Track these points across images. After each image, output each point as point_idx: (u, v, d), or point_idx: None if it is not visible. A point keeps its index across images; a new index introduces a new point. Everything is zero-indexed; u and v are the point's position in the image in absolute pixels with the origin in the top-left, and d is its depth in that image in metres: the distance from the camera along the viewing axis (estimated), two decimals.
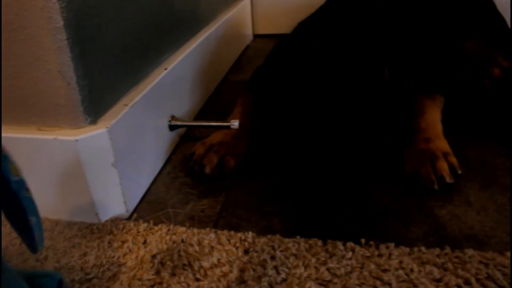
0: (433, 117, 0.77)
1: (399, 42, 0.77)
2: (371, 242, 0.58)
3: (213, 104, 1.10)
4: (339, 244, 0.59)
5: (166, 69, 0.82)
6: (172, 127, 0.83)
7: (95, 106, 0.63)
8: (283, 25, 1.56)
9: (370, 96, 0.71)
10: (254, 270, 0.56)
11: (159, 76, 0.79)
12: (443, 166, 0.68)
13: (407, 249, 0.57)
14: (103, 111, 0.65)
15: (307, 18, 0.95)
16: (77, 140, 0.60)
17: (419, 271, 0.53)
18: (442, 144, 0.72)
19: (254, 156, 0.80)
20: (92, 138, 0.60)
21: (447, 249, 0.57)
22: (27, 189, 0.42)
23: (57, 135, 0.61)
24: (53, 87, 0.60)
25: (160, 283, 0.55)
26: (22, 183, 0.41)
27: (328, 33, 0.82)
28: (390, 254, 0.56)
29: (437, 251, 0.56)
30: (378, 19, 0.80)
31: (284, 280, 0.54)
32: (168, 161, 0.83)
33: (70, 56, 0.58)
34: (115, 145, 0.63)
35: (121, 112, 0.66)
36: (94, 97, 0.62)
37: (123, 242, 0.62)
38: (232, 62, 1.39)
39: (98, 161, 0.62)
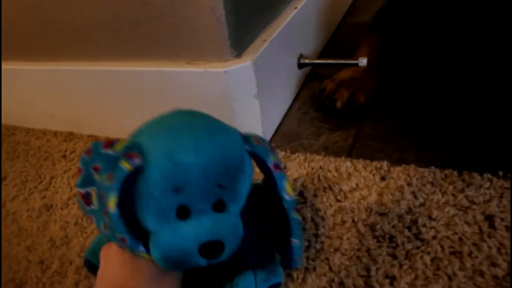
0: None
1: None
2: (510, 175, 0.58)
3: (333, 45, 1.11)
4: (476, 175, 0.59)
5: (296, 8, 0.85)
6: (301, 65, 0.87)
7: (240, 40, 0.68)
8: None
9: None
10: (392, 194, 0.59)
11: (290, 14, 0.82)
12: None
13: None
14: (247, 45, 0.70)
15: None
16: (226, 72, 0.65)
17: None
18: None
19: (382, 93, 0.81)
20: (239, 70, 0.66)
21: None
22: (296, 211, 0.45)
23: (207, 68, 0.67)
24: (205, 23, 0.65)
25: (304, 203, 0.60)
26: (293, 203, 0.44)
27: None
28: None
29: None
30: None
31: (422, 204, 0.56)
32: (296, 98, 0.87)
33: None
34: (258, 77, 0.67)
35: (262, 47, 0.70)
36: (239, 32, 0.67)
37: None
38: (348, 5, 1.38)
39: (244, 92, 0.67)
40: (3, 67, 0.92)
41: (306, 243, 0.54)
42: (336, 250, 0.52)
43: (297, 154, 0.70)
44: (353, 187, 0.61)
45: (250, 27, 0.71)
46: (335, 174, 0.64)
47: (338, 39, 1.15)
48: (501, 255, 0.48)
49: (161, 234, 0.38)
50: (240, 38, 0.68)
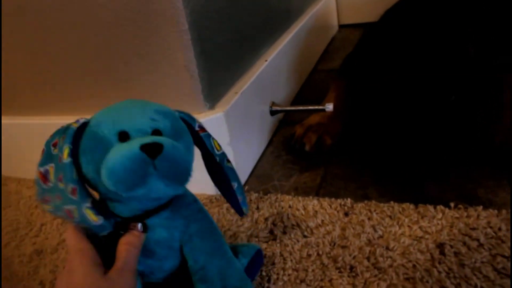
0: None
1: (485, 17, 0.80)
2: (460, 206, 0.64)
3: (306, 91, 1.19)
4: (430, 207, 0.65)
5: (266, 60, 0.93)
6: (273, 112, 0.94)
7: (212, 94, 0.75)
8: (367, 14, 1.62)
9: (456, 75, 0.76)
10: (354, 228, 0.64)
11: (261, 67, 0.90)
12: None
13: (495, 211, 0.62)
14: (219, 98, 0.77)
15: (393, 6, 1.00)
16: None
17: (507, 230, 0.59)
18: None
19: (348, 135, 0.88)
20: (211, 121, 0.72)
21: None
22: (228, 160, 0.54)
23: None
24: (180, 80, 0.72)
25: (274, 239, 0.65)
26: (224, 155, 0.53)
27: (414, 17, 0.87)
28: (478, 215, 0.62)
29: None
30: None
31: (381, 236, 0.62)
32: (270, 143, 0.93)
33: (193, 53, 0.69)
34: (230, 126, 0.74)
35: (233, 98, 0.77)
36: (211, 87, 0.74)
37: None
38: (320, 52, 1.47)
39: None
40: None
41: (275, 276, 0.59)
42: (302, 281, 0.57)
43: (268, 195, 0.75)
44: (319, 223, 0.67)
45: (222, 81, 0.78)
46: (303, 212, 0.69)
47: (311, 85, 1.23)
48: (449, 279, 0.53)
49: (109, 153, 0.42)
50: (213, 92, 0.75)
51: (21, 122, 0.94)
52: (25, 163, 1.00)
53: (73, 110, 0.87)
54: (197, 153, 0.51)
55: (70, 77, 0.82)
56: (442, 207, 0.65)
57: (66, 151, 0.43)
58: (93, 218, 0.43)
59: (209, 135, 0.52)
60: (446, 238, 0.59)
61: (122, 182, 0.41)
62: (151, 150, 0.42)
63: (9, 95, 0.94)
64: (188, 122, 0.51)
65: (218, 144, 0.53)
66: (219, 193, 0.77)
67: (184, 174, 0.45)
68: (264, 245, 0.64)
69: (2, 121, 0.98)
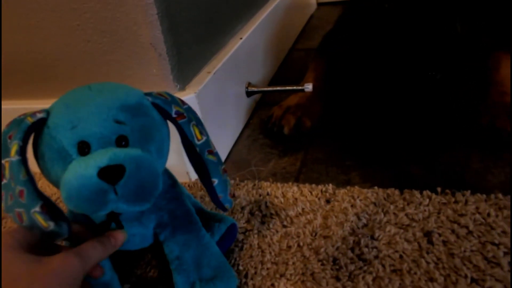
0: (508, 71, 0.77)
1: None
2: (447, 191, 0.61)
3: (284, 71, 1.14)
4: (416, 193, 0.62)
5: (241, 38, 0.87)
6: (249, 93, 0.89)
7: (183, 74, 0.69)
8: None
9: (442, 52, 0.72)
10: (336, 217, 0.60)
11: (235, 45, 0.84)
12: None
13: (484, 196, 0.59)
14: (190, 78, 0.71)
15: None
16: None
17: (496, 215, 0.56)
18: None
19: (328, 117, 0.84)
20: None
21: None
22: (210, 152, 0.47)
23: None
24: (147, 59, 0.66)
25: (251, 230, 0.61)
26: (205, 145, 0.47)
27: None
28: (466, 201, 0.59)
29: None
30: None
31: (365, 225, 0.58)
32: (246, 125, 0.88)
33: (160, 29, 0.63)
34: (202, 109, 0.69)
35: (205, 79, 0.71)
36: (181, 66, 0.69)
37: None
38: (298, 31, 1.42)
39: None
40: None
41: (253, 271, 0.55)
42: (282, 275, 0.53)
43: (245, 182, 0.71)
44: (299, 212, 0.62)
45: (193, 60, 0.72)
46: (282, 200, 0.65)
47: (289, 65, 1.18)
48: (438, 270, 0.50)
49: (66, 172, 0.38)
50: (183, 72, 0.69)
51: None
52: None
53: (28, 93, 0.80)
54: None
55: (25, 59, 0.75)
56: (428, 192, 0.61)
57: (14, 148, 0.38)
58: (43, 224, 0.39)
59: (188, 122, 0.46)
60: (433, 225, 0.56)
61: (80, 208, 0.38)
62: (111, 175, 0.37)
63: None
64: (163, 108, 0.45)
65: (200, 132, 0.47)
66: (193, 179, 0.73)
67: (151, 192, 0.40)
68: (241, 236, 0.60)
69: None
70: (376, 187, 0.64)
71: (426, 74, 0.76)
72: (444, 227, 0.56)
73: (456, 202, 0.59)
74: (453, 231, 0.55)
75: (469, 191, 0.60)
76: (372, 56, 0.78)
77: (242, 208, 0.65)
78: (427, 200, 0.60)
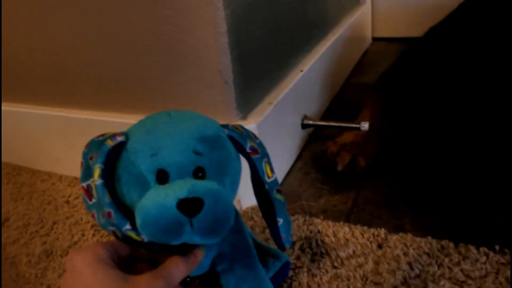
0: None
1: None
2: (506, 250, 0.59)
3: (337, 105, 1.14)
4: (472, 248, 0.60)
5: (302, 71, 0.88)
6: (304, 126, 0.89)
7: (245, 103, 0.70)
8: (402, 28, 1.57)
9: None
10: (388, 263, 0.59)
11: (296, 77, 0.85)
12: None
13: None
14: (252, 108, 0.72)
15: (439, 22, 0.94)
16: None
17: None
18: None
19: (383, 158, 0.83)
20: None
21: None
22: (278, 191, 0.48)
23: None
24: (213, 85, 0.68)
25: (301, 267, 0.60)
26: (275, 184, 0.48)
27: (463, 39, 0.82)
28: None
29: None
30: None
31: (418, 276, 0.57)
32: (299, 157, 0.89)
33: (229, 57, 0.65)
34: (261, 139, 0.69)
35: (267, 109, 0.72)
36: (245, 95, 0.70)
37: (264, 227, 0.69)
38: (353, 65, 1.42)
39: None
40: (15, 109, 0.95)
41: None
42: None
43: (296, 216, 0.71)
44: (350, 253, 0.62)
45: (256, 90, 0.73)
46: (333, 239, 0.65)
47: (342, 99, 1.18)
48: None
49: (143, 199, 0.39)
50: (246, 101, 0.70)
51: (40, 113, 0.90)
52: (40, 154, 0.97)
53: (93, 105, 0.83)
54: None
55: (93, 71, 0.78)
56: (485, 249, 0.60)
57: (97, 172, 0.40)
58: (137, 239, 0.41)
59: (261, 158, 0.47)
60: (491, 286, 0.54)
61: (154, 237, 0.39)
62: (190, 208, 0.38)
63: (30, 84, 0.90)
64: (239, 142, 0.46)
65: (271, 170, 0.48)
66: (243, 207, 0.73)
67: (225, 226, 0.41)
68: (290, 273, 0.60)
69: (22, 109, 0.94)
70: (429, 237, 0.63)
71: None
72: None
73: None
74: None
75: None
76: (438, 102, 0.76)
77: (293, 243, 0.65)
78: (484, 257, 0.58)
